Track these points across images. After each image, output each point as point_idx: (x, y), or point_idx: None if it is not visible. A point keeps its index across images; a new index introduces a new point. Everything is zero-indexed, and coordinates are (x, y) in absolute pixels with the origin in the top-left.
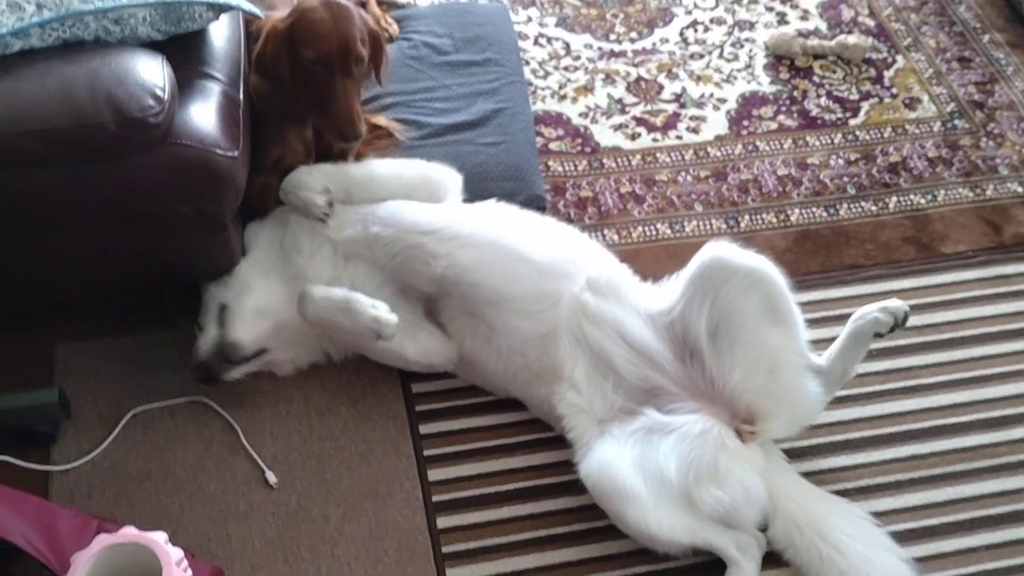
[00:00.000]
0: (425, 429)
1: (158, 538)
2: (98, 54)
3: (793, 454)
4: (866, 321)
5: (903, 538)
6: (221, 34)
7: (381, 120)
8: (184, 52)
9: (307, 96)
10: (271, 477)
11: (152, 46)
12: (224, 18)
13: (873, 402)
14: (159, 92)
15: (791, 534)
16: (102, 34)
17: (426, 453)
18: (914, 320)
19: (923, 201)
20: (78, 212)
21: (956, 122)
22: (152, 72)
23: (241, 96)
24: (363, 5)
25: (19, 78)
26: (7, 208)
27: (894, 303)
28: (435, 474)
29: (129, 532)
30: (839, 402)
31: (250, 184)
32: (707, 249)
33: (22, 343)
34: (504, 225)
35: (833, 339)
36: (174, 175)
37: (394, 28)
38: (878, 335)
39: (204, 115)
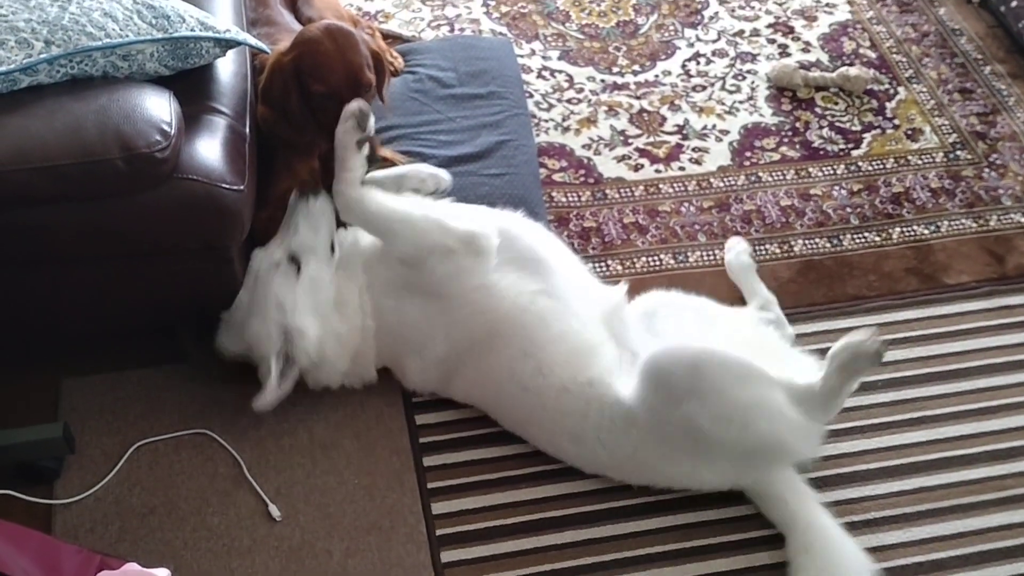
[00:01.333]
0: (429, 461)
1: (161, 574)
2: (106, 90)
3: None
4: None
5: (911, 572)
6: (228, 69)
7: (387, 152)
8: (191, 87)
9: (317, 126)
10: (275, 511)
11: (160, 81)
12: (230, 53)
13: (879, 434)
14: (166, 128)
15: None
16: (110, 70)
17: (430, 486)
18: (918, 351)
19: (926, 232)
20: (85, 248)
21: (958, 153)
22: (159, 108)
23: (248, 130)
24: (371, 36)
25: (28, 115)
26: (15, 244)
27: (867, 333)
28: (439, 507)
29: (132, 569)
30: (845, 434)
31: (256, 218)
32: (645, 367)
33: (28, 377)
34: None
35: None
36: (181, 210)
37: (399, 62)
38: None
39: (211, 150)
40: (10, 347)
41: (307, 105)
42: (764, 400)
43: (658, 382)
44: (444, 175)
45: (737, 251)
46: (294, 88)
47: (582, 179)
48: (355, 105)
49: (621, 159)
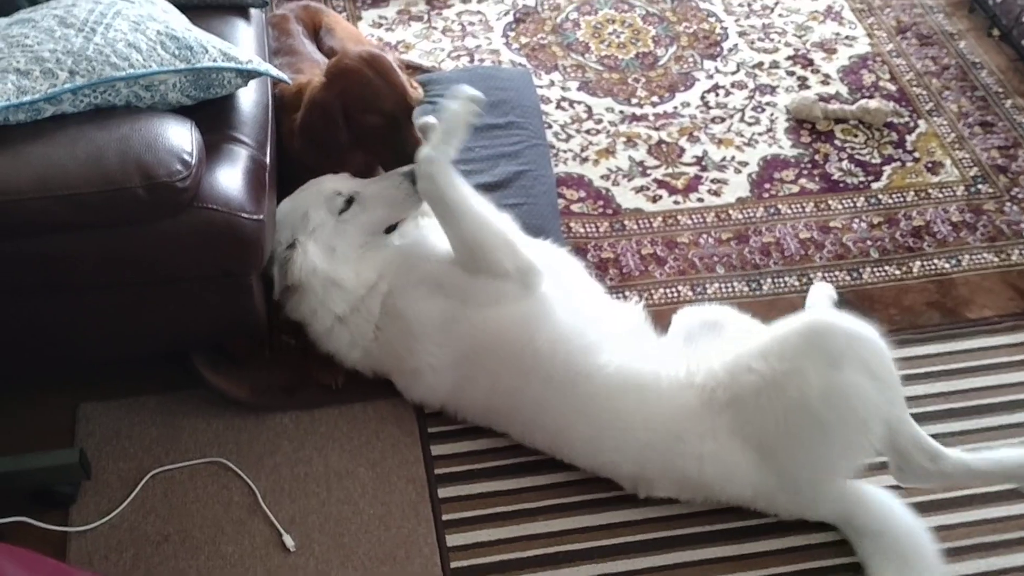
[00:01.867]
0: (444, 492)
1: None
2: (128, 120)
3: (817, 527)
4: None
5: None
6: (249, 98)
7: None
8: (213, 116)
9: (371, 151)
10: (288, 541)
11: (182, 110)
12: (252, 83)
13: None
14: (187, 157)
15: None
16: (133, 100)
17: (445, 517)
18: (940, 387)
19: (947, 265)
20: (105, 275)
21: (979, 186)
22: (181, 137)
23: (268, 159)
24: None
25: (50, 143)
26: (36, 271)
27: None
28: (454, 539)
29: None
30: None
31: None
32: (807, 326)
33: (47, 401)
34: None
35: None
36: (200, 238)
37: (419, 92)
38: None
39: (231, 179)
40: (29, 371)
41: (359, 137)
42: (882, 413)
43: (819, 340)
44: None
45: (823, 295)
46: (343, 125)
47: (600, 210)
48: (469, 90)
49: (639, 190)
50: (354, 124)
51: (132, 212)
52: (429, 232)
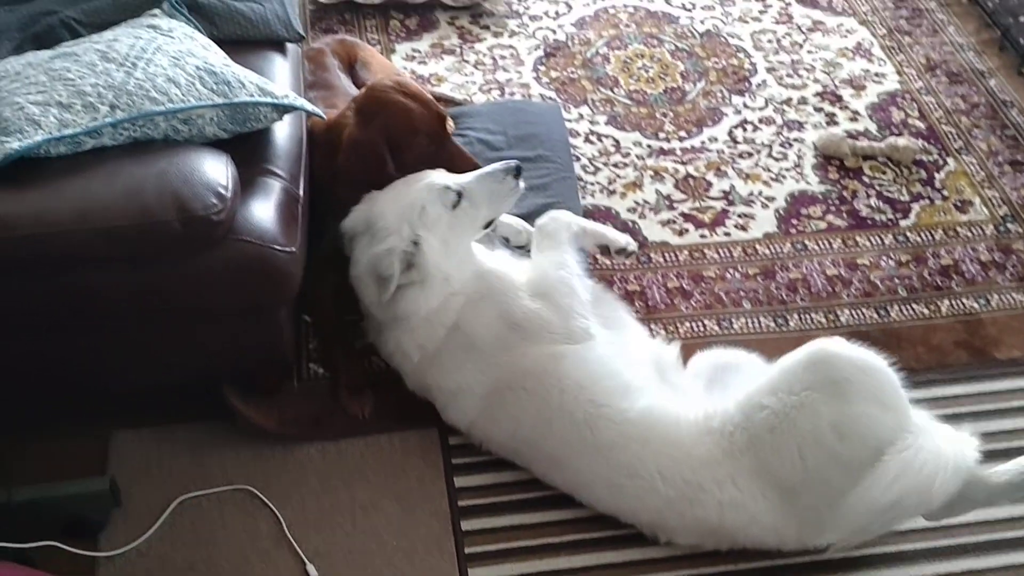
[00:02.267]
0: (468, 525)
1: None
2: (166, 154)
3: (844, 565)
4: None
5: None
6: (284, 132)
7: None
8: (248, 149)
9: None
10: (313, 571)
11: (217, 143)
12: (287, 116)
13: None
14: (222, 191)
15: None
16: (171, 133)
17: (468, 551)
18: (967, 428)
19: (976, 305)
20: (139, 305)
21: (1009, 226)
22: (217, 171)
23: (301, 192)
24: None
25: (90, 176)
26: (72, 301)
27: None
28: (477, 573)
29: None
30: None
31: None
32: (812, 353)
33: (81, 428)
34: None
35: None
36: (233, 270)
37: (450, 124)
38: None
39: (264, 212)
40: (64, 400)
41: (408, 163)
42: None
43: (824, 370)
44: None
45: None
46: (388, 157)
47: None
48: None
49: (666, 223)
50: (400, 154)
51: (168, 245)
52: (506, 258)
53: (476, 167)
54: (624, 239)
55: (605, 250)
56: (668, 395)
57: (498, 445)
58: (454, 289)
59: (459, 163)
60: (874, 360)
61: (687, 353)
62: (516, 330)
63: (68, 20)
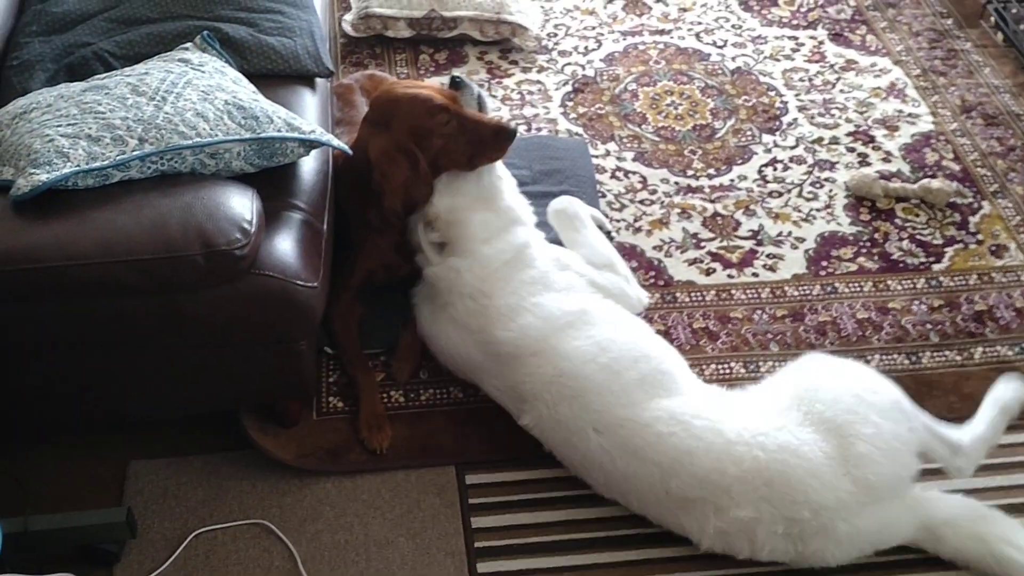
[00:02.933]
0: (484, 567)
1: None
2: (192, 187)
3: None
4: (1007, 405)
5: None
6: (309, 167)
7: None
8: (273, 183)
9: (449, 160)
10: None
11: (242, 176)
12: (313, 152)
13: (948, 572)
14: (246, 226)
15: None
16: (198, 167)
17: None
18: (999, 480)
19: (1010, 353)
20: (159, 337)
21: None
22: (242, 206)
23: (325, 227)
24: None
25: (116, 209)
26: (93, 332)
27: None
28: None
29: None
30: (908, 567)
31: (336, 312)
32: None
33: (99, 457)
34: None
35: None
36: (255, 304)
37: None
38: None
39: (287, 246)
40: (82, 427)
41: (436, 150)
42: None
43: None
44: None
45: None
46: (416, 150)
47: (652, 280)
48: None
49: (693, 262)
50: (427, 141)
51: (191, 278)
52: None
53: (500, 126)
54: (607, 225)
55: None
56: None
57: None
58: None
59: (483, 128)
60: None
61: None
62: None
63: (102, 52)
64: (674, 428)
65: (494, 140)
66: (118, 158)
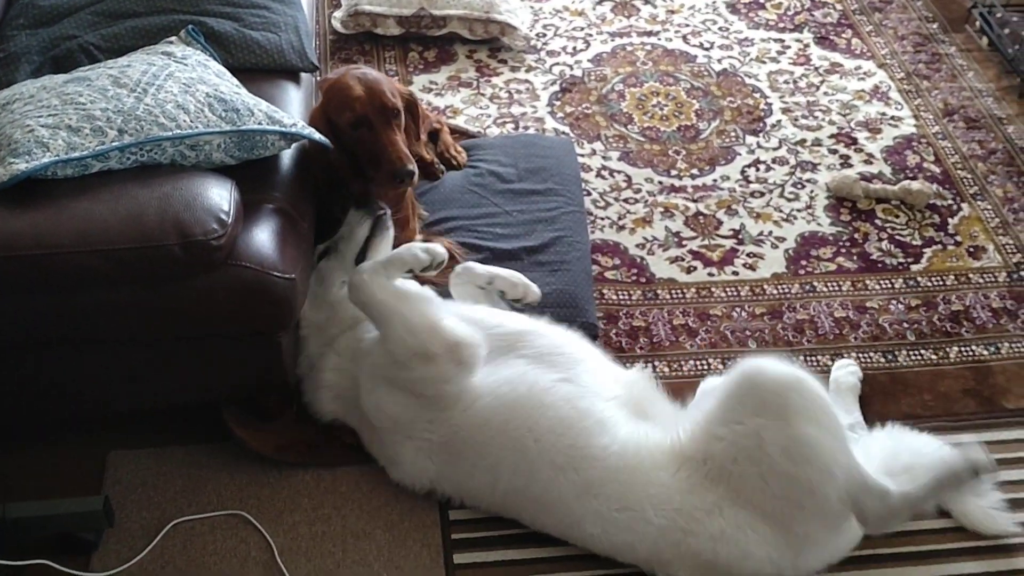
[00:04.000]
0: (460, 559)
1: None
2: (171, 178)
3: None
4: (947, 474)
5: None
6: (289, 159)
7: (444, 242)
8: (253, 175)
9: (358, 161)
10: None
11: (222, 168)
12: (294, 145)
13: (927, 562)
14: (223, 216)
15: None
16: (178, 158)
17: None
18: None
19: (985, 353)
20: (137, 328)
21: (1022, 274)
22: (220, 197)
23: (304, 219)
24: (437, 132)
25: (94, 199)
26: (70, 323)
27: (981, 454)
28: None
29: None
30: (892, 560)
31: None
32: (743, 373)
33: (77, 448)
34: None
35: None
36: (232, 295)
37: (463, 157)
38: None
39: (265, 238)
40: (63, 417)
41: (344, 144)
42: (837, 459)
43: (758, 394)
44: (534, 289)
45: (848, 370)
46: (331, 135)
47: (634, 278)
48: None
49: (674, 260)
50: (338, 131)
51: (167, 268)
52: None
53: (400, 156)
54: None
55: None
56: (645, 425)
57: (476, 500)
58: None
59: (384, 157)
60: (800, 377)
61: (690, 392)
62: (404, 372)
63: (87, 45)
64: (603, 528)
65: (387, 174)
66: (97, 148)
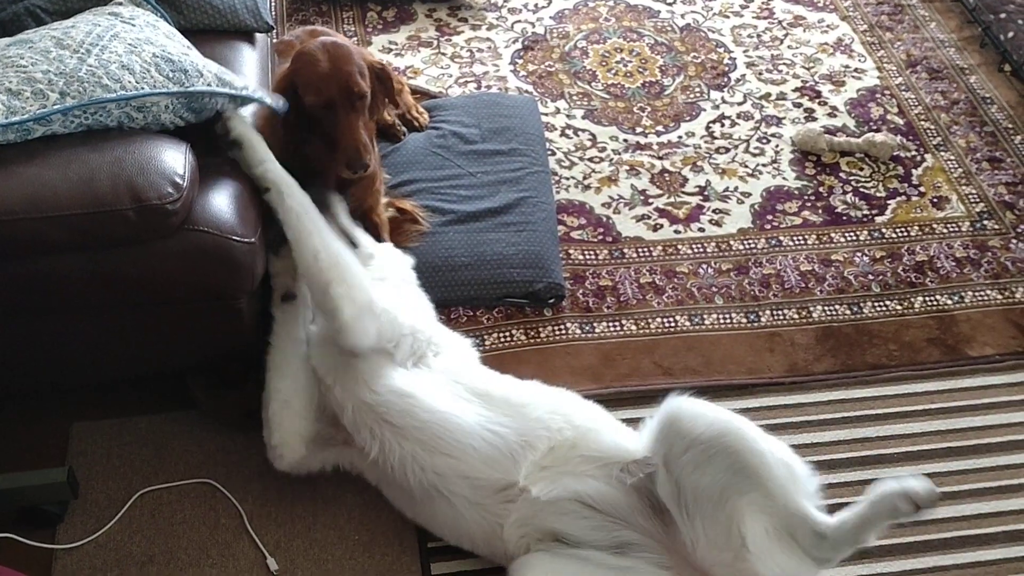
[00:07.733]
0: None
1: None
2: (123, 142)
3: None
4: (884, 506)
5: None
6: (249, 119)
7: (407, 205)
8: (210, 139)
9: (314, 135)
10: (272, 564)
11: (180, 131)
12: (251, 107)
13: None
14: (178, 180)
15: None
16: (125, 120)
17: (430, 545)
18: (938, 424)
19: (949, 302)
20: (95, 295)
21: (985, 223)
22: (174, 160)
23: None
24: (399, 93)
25: (44, 164)
26: (27, 291)
27: (922, 486)
28: (438, 568)
29: None
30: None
31: None
32: (665, 408)
33: (40, 421)
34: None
35: (853, 441)
36: (191, 260)
37: (424, 117)
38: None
39: (223, 202)
40: (23, 392)
41: (304, 117)
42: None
43: (679, 429)
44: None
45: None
46: (292, 102)
47: (600, 237)
48: None
49: (640, 219)
50: (301, 104)
51: (122, 234)
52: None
53: (358, 149)
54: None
55: None
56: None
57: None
58: None
59: (342, 143)
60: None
61: (659, 348)
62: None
63: (34, 8)
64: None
65: (342, 160)
66: (38, 112)
